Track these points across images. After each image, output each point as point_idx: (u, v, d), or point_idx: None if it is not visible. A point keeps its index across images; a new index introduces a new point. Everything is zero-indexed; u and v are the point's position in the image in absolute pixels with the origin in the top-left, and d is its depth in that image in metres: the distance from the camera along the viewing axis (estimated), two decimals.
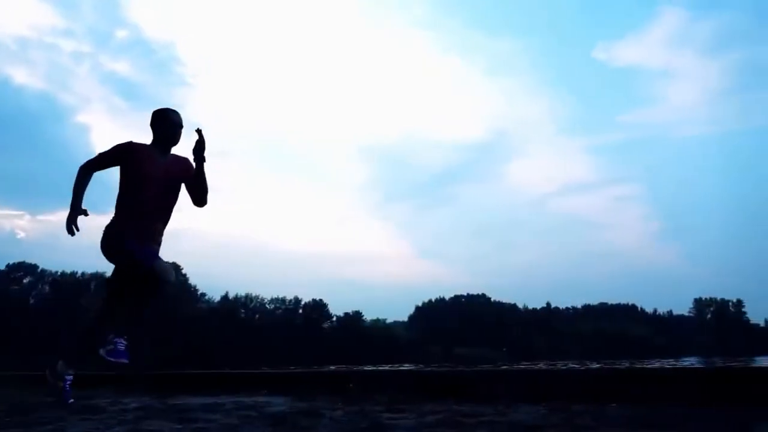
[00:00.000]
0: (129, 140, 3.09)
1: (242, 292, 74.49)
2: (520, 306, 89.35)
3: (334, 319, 79.88)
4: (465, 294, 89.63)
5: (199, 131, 3.03)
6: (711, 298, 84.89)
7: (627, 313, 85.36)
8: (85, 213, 2.91)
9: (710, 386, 2.26)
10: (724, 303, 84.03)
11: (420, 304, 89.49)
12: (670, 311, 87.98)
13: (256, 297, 75.54)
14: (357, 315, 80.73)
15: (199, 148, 3.04)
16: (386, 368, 4.13)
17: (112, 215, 3.06)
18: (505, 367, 4.94)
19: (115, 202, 3.08)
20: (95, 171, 3.03)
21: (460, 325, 79.20)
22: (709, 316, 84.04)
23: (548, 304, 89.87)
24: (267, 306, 76.05)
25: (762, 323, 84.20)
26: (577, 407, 2.16)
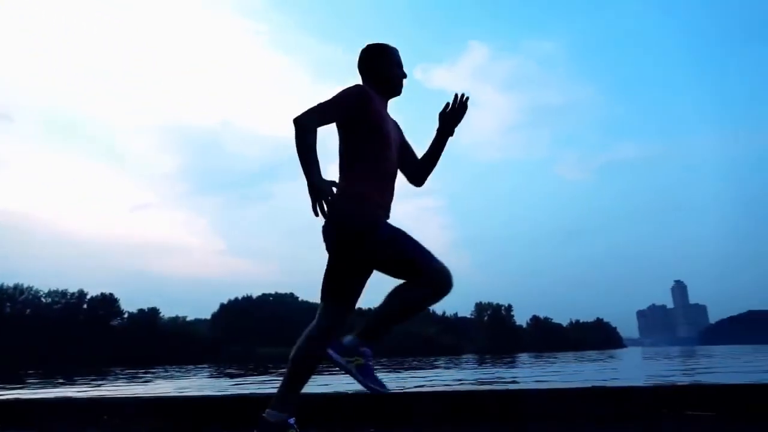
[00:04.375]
0: (359, 83, 2.24)
1: (9, 282, 63.60)
2: None
3: (126, 315, 72.78)
4: (273, 293, 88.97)
5: (464, 97, 2.28)
6: (488, 303, 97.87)
7: (422, 314, 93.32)
8: (334, 184, 2.01)
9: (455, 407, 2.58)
10: (498, 307, 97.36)
11: (225, 302, 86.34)
12: (456, 313, 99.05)
13: (29, 288, 65.19)
14: (153, 312, 74.63)
15: (457, 117, 2.29)
16: (150, 395, 3.70)
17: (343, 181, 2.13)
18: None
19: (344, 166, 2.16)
20: (319, 126, 2.07)
21: (267, 324, 78.28)
22: (486, 318, 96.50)
23: None
24: (42, 300, 66.00)
25: (524, 324, 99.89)
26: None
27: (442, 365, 17.91)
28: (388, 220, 2.17)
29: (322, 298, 2.15)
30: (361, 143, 2.13)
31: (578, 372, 10.14)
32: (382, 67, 2.27)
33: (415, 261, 1.99)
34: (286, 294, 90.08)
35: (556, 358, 28.46)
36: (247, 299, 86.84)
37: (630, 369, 11.09)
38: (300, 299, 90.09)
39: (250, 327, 77.60)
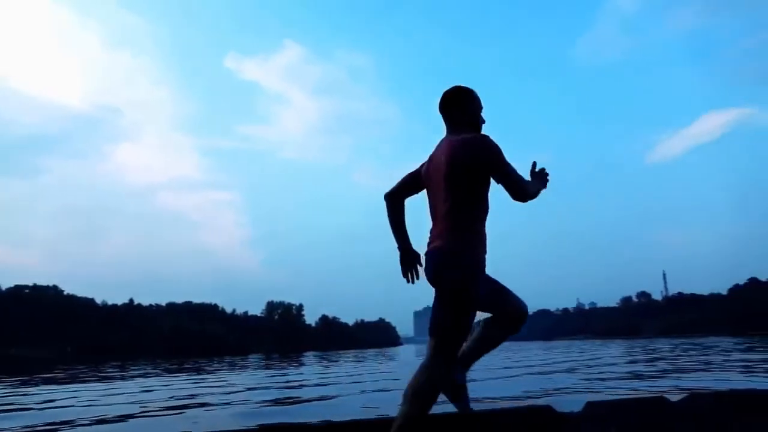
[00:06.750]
0: (483, 135, 2.23)
1: None
2: (99, 301, 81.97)
3: None
4: (30, 285, 75.97)
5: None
6: (280, 302, 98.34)
7: (209, 312, 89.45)
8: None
9: None
10: (289, 306, 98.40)
11: None
12: (246, 312, 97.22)
13: None
14: None
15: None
16: None
17: (459, 230, 2.14)
18: None
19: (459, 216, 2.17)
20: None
21: (20, 322, 66.74)
22: (277, 317, 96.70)
23: (131, 300, 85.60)
24: None
25: (314, 324, 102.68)
26: None
27: (226, 368, 17.67)
28: None
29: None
30: (482, 187, 2.21)
31: (359, 375, 11.02)
32: (475, 110, 2.33)
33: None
34: (47, 286, 77.77)
35: (339, 356, 30.10)
36: None
37: (402, 367, 12.47)
38: (65, 293, 78.80)
39: None
